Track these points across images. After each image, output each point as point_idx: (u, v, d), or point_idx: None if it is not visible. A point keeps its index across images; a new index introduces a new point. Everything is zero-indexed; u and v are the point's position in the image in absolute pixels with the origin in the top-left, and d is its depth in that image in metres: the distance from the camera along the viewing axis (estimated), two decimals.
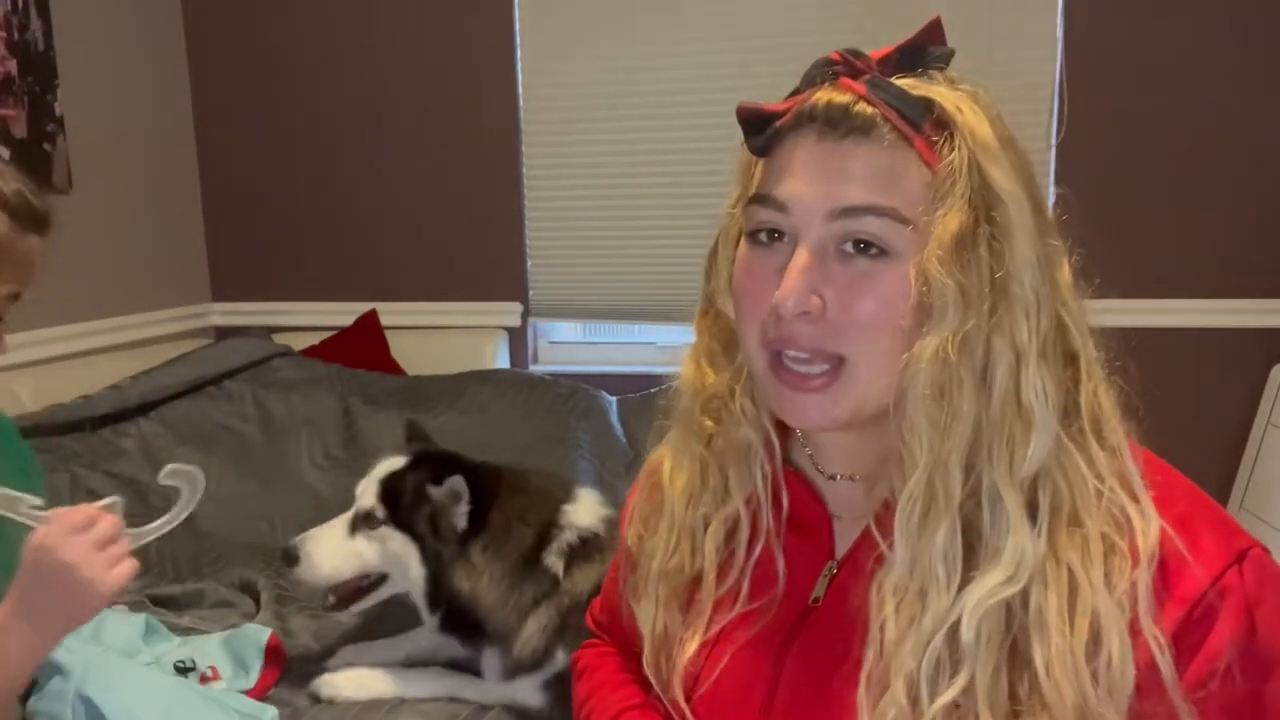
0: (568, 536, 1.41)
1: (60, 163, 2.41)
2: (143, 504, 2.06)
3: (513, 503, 1.43)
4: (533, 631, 1.38)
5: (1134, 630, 0.59)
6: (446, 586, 1.39)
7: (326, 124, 2.88)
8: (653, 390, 2.58)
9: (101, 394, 2.23)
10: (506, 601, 1.38)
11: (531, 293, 2.89)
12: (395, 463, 1.45)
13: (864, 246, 0.64)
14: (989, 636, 0.61)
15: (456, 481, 1.38)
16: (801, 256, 0.65)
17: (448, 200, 2.86)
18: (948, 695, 0.60)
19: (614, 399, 2.57)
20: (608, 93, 2.71)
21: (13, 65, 2.27)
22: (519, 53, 2.75)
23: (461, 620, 1.41)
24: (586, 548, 1.41)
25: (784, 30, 2.57)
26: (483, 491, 1.40)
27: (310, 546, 1.42)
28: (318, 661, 1.53)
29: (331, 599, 1.45)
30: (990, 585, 0.61)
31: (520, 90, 2.77)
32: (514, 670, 1.40)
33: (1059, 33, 2.46)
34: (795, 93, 0.70)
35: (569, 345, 3.02)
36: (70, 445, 2.07)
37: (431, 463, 1.42)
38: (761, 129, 0.69)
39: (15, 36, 2.28)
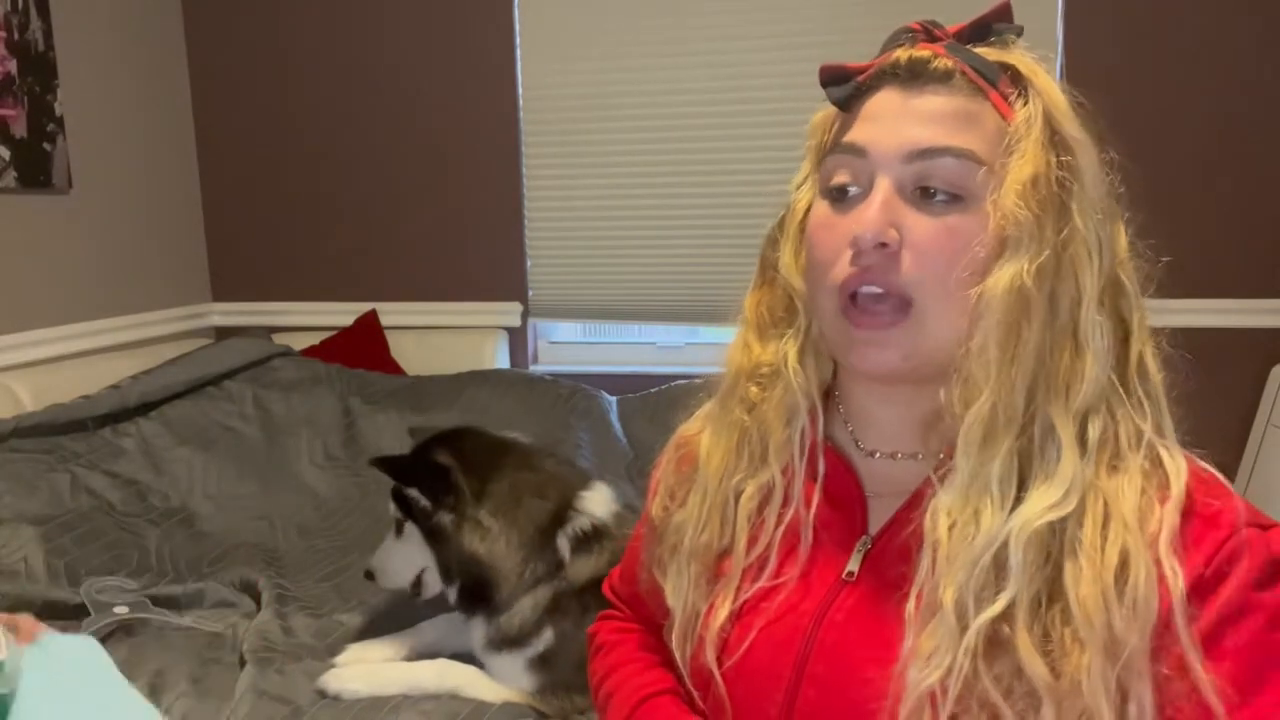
0: (581, 522, 1.45)
1: (60, 163, 2.41)
2: (142, 503, 2.07)
3: (521, 476, 1.49)
4: (526, 607, 1.42)
5: (1156, 566, 0.62)
6: (462, 554, 1.43)
7: (326, 123, 2.88)
8: (653, 390, 2.58)
9: (101, 394, 2.23)
10: (522, 572, 1.43)
11: (531, 293, 2.89)
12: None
13: (939, 191, 0.67)
14: (1032, 560, 0.63)
15: (376, 467, 1.50)
16: (880, 192, 0.68)
17: (448, 200, 2.86)
18: (991, 610, 0.62)
19: (614, 399, 2.58)
20: (608, 93, 2.71)
21: (13, 65, 2.27)
22: (519, 53, 2.75)
23: (474, 590, 1.45)
24: (592, 538, 1.44)
25: (785, 30, 2.58)
26: (437, 468, 1.46)
27: (378, 562, 1.55)
28: (324, 658, 1.53)
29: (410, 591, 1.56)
30: (1040, 506, 0.63)
31: (520, 90, 2.77)
32: (498, 643, 1.43)
33: (1059, 34, 2.46)
34: (875, 59, 0.74)
35: (569, 345, 3.02)
36: (70, 445, 2.06)
37: (374, 462, 1.53)
38: (842, 84, 0.73)
39: (15, 36, 2.28)
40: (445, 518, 1.44)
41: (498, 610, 1.43)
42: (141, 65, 2.75)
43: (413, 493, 1.46)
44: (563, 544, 1.43)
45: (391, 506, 1.51)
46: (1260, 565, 0.62)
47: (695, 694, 0.79)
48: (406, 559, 1.51)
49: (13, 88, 2.27)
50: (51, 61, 2.38)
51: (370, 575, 1.55)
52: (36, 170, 2.34)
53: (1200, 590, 0.62)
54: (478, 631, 1.46)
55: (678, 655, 0.80)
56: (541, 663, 1.41)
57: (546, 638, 1.40)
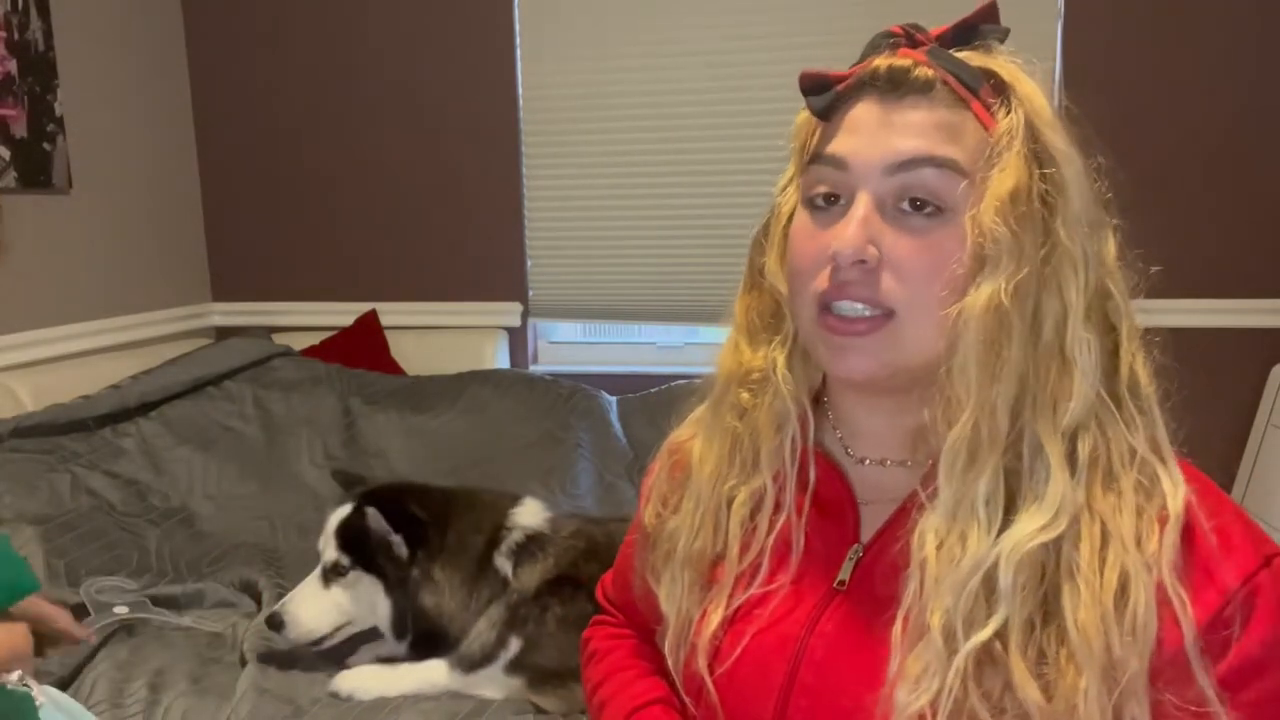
0: (515, 537, 1.49)
1: (60, 163, 2.41)
2: (142, 503, 2.07)
3: (464, 520, 1.51)
4: (482, 628, 1.44)
5: (1158, 589, 0.61)
6: (415, 609, 1.46)
7: (327, 124, 2.88)
8: (653, 390, 2.58)
9: (101, 394, 2.23)
10: (467, 606, 1.46)
11: (531, 293, 2.89)
12: (345, 509, 1.51)
13: (920, 204, 0.66)
14: (1024, 583, 0.62)
15: (373, 513, 1.45)
16: (860, 207, 0.67)
17: (448, 200, 2.86)
18: (982, 635, 0.61)
19: (614, 399, 2.58)
20: (608, 92, 2.71)
21: (13, 65, 2.27)
22: (519, 52, 2.75)
23: (428, 637, 1.47)
24: (532, 546, 1.48)
25: (785, 30, 2.57)
26: (412, 518, 1.46)
27: (293, 609, 1.47)
28: (324, 658, 1.53)
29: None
30: (1030, 529, 0.62)
31: (520, 90, 2.77)
32: (466, 665, 1.44)
33: (1059, 34, 2.46)
34: (856, 65, 0.72)
35: (569, 345, 3.02)
36: (70, 445, 2.07)
37: (371, 501, 1.49)
38: (822, 92, 0.71)
39: (15, 36, 2.28)
40: (414, 571, 1.45)
41: (455, 644, 1.45)
42: (141, 65, 2.75)
43: (396, 540, 1.45)
44: (501, 563, 1.47)
45: (334, 553, 1.47)
46: (1277, 612, 0.61)
47: (688, 701, 0.79)
48: (331, 610, 1.47)
49: (13, 88, 2.27)
50: (51, 61, 2.38)
51: (276, 625, 1.46)
52: (36, 170, 2.34)
53: (1216, 631, 0.61)
54: (445, 661, 1.47)
55: (671, 662, 0.79)
56: (518, 665, 1.42)
57: (513, 646, 1.42)
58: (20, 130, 2.29)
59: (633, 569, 0.90)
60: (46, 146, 2.37)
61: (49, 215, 2.41)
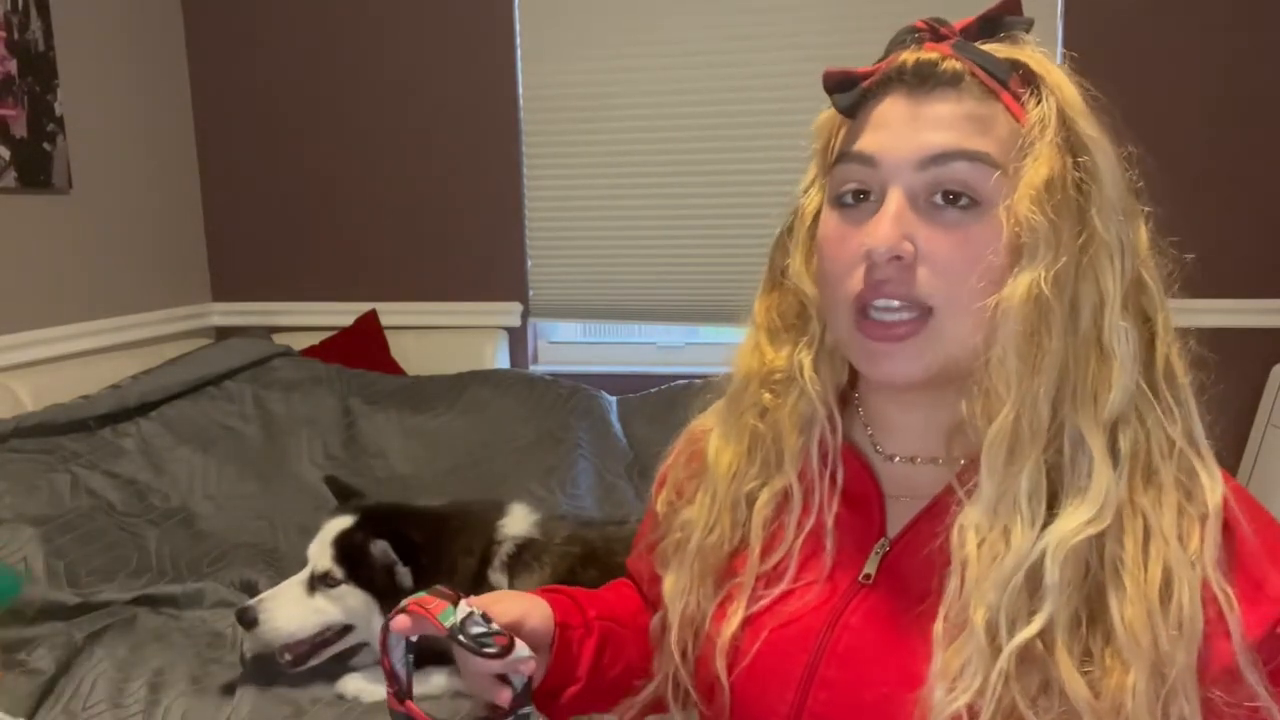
0: (506, 549, 1.49)
1: (60, 163, 2.41)
2: (142, 503, 2.07)
3: (456, 544, 1.49)
4: None
5: (1203, 587, 0.61)
6: None
7: (327, 124, 2.88)
8: (653, 390, 2.58)
9: (101, 394, 2.23)
10: None
11: (531, 293, 2.89)
12: (343, 521, 1.49)
13: (953, 197, 0.65)
14: (1070, 578, 0.61)
15: (382, 546, 1.43)
16: (893, 203, 0.66)
17: (448, 200, 2.86)
18: (1027, 632, 0.61)
19: (614, 399, 2.58)
20: (608, 92, 2.71)
21: (13, 65, 2.27)
22: (519, 52, 2.75)
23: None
24: (525, 555, 1.48)
25: (786, 29, 2.57)
26: (417, 547, 1.45)
27: (270, 606, 1.44)
28: (341, 660, 1.53)
29: (287, 657, 1.45)
30: (1076, 523, 0.62)
31: (520, 90, 2.77)
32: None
33: (1059, 33, 2.46)
34: (879, 61, 0.71)
35: (569, 345, 3.02)
36: (70, 445, 2.06)
37: (374, 521, 1.47)
38: (847, 90, 0.70)
39: (15, 36, 2.28)
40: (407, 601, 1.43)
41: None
42: (141, 65, 2.75)
43: (403, 570, 1.43)
44: (497, 579, 1.46)
45: (329, 563, 1.45)
46: None
47: (698, 698, 0.78)
48: (311, 616, 1.44)
49: (13, 88, 2.27)
50: (51, 61, 2.38)
51: (249, 622, 1.42)
52: (36, 170, 2.34)
53: (1274, 641, 0.61)
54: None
55: (675, 653, 0.78)
56: None
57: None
58: (20, 130, 2.29)
59: (641, 556, 0.89)
60: (46, 146, 2.37)
61: (49, 215, 2.41)
